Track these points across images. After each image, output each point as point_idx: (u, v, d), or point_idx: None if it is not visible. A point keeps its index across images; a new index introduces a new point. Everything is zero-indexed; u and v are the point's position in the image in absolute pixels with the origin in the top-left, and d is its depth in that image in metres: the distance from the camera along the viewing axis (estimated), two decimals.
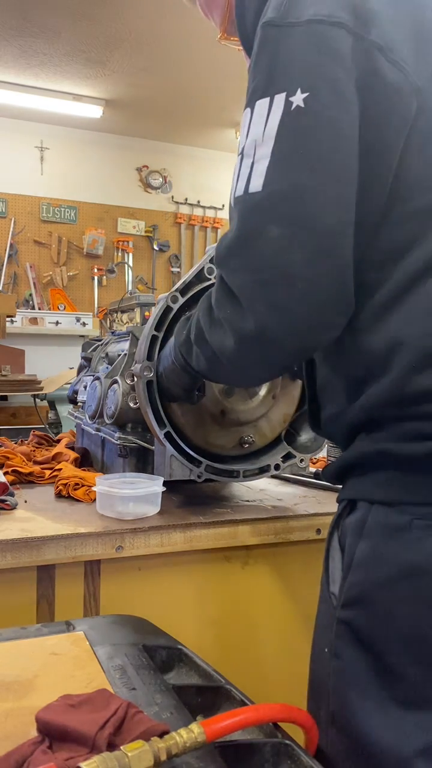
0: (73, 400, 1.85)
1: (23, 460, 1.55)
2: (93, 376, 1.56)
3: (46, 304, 5.60)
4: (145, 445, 1.34)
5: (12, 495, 1.27)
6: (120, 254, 5.92)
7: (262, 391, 1.23)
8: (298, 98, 0.72)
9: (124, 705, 0.57)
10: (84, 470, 1.48)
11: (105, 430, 1.42)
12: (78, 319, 5.48)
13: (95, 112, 5.18)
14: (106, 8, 3.78)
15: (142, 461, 1.38)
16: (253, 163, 0.75)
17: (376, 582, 0.76)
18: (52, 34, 4.10)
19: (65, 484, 1.35)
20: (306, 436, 1.33)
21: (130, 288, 5.71)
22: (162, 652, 0.74)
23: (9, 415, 3.85)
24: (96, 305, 5.79)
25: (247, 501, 1.35)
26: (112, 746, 0.52)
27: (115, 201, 5.92)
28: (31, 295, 5.57)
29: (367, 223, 0.76)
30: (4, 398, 3.81)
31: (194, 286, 1.22)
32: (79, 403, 1.75)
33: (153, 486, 1.19)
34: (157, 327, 1.19)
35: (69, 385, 1.98)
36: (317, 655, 0.84)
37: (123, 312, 2.79)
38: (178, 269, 6.14)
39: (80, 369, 1.93)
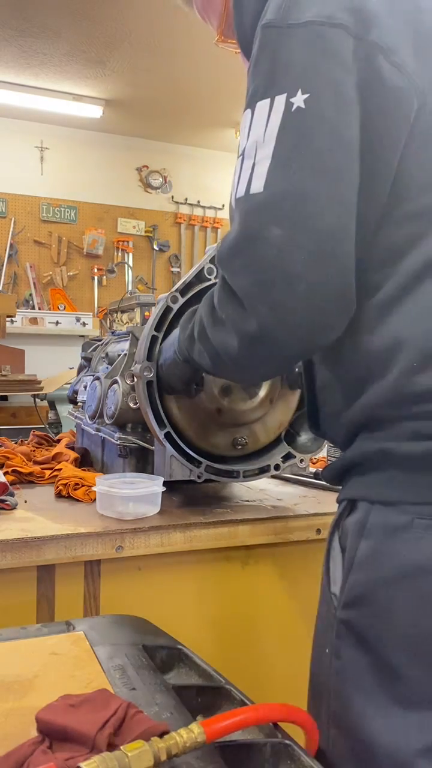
0: (73, 400, 1.85)
1: (23, 460, 1.55)
2: (93, 376, 1.56)
3: (46, 304, 5.60)
4: (145, 445, 1.34)
5: (12, 495, 1.27)
6: (120, 254, 5.92)
7: (261, 393, 1.23)
8: (299, 99, 0.72)
9: (124, 705, 0.57)
10: (84, 470, 1.48)
11: (105, 430, 1.42)
12: (78, 319, 5.47)
13: (95, 112, 5.18)
14: (106, 8, 3.77)
15: (142, 461, 1.38)
16: (254, 165, 0.75)
17: (377, 582, 0.76)
18: (52, 34, 4.10)
19: (65, 484, 1.35)
20: (306, 436, 1.33)
21: (130, 288, 5.71)
22: (162, 652, 0.74)
23: (9, 415, 3.86)
24: (96, 305, 5.79)
25: (247, 501, 1.35)
26: (112, 746, 0.52)
27: (115, 201, 5.91)
28: (31, 295, 5.57)
29: (367, 223, 0.76)
30: (4, 398, 3.81)
31: (194, 286, 1.22)
32: (79, 403, 1.75)
33: (153, 486, 1.19)
34: (157, 327, 1.19)
35: (69, 385, 1.98)
36: (318, 655, 0.84)
37: (123, 312, 2.79)
38: (178, 269, 6.14)
39: (80, 369, 1.93)
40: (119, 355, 1.48)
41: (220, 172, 6.21)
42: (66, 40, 4.17)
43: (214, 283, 1.22)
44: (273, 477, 1.51)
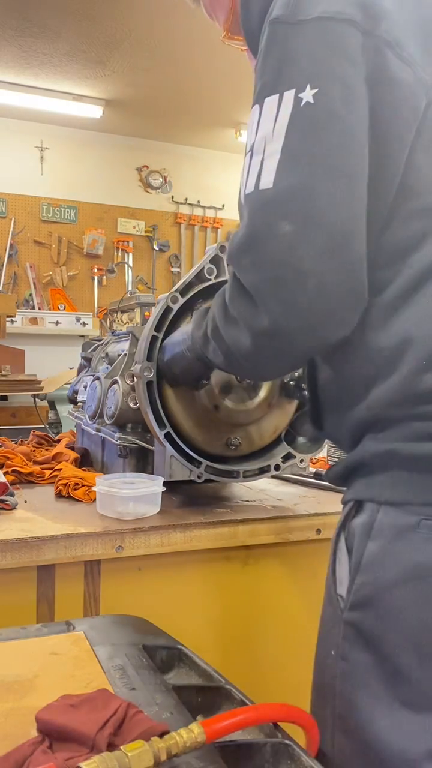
0: (73, 400, 1.85)
1: (23, 460, 1.55)
2: (93, 376, 1.56)
3: (46, 304, 5.60)
4: (145, 445, 1.34)
5: (12, 495, 1.27)
6: (120, 254, 5.92)
7: (260, 396, 1.23)
8: (308, 95, 0.72)
9: (124, 705, 0.57)
10: (84, 470, 1.48)
11: (105, 431, 1.42)
12: (78, 319, 5.47)
13: (95, 112, 5.18)
14: (106, 8, 3.77)
15: (142, 461, 1.38)
16: (262, 160, 0.75)
17: (384, 583, 0.75)
18: (52, 34, 4.10)
19: (65, 484, 1.35)
20: (306, 436, 1.33)
21: (130, 288, 5.71)
22: (162, 652, 0.74)
23: (9, 415, 3.85)
24: (96, 305, 5.79)
25: (247, 501, 1.35)
26: (112, 746, 0.52)
27: (115, 201, 5.91)
28: (31, 295, 5.57)
29: (375, 220, 0.75)
30: (4, 398, 3.81)
31: (194, 286, 1.22)
32: (79, 403, 1.75)
33: (153, 486, 1.19)
34: (157, 327, 1.19)
35: (69, 385, 1.98)
36: (323, 657, 0.83)
37: (123, 312, 2.79)
38: (178, 269, 6.14)
39: (80, 369, 1.93)
40: (119, 355, 1.48)
41: (220, 172, 6.21)
42: (66, 40, 4.17)
43: (215, 283, 1.23)
44: (273, 477, 1.51)
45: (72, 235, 5.74)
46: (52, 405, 3.72)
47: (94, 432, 1.49)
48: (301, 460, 1.34)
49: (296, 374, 1.26)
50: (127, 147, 5.90)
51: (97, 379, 1.50)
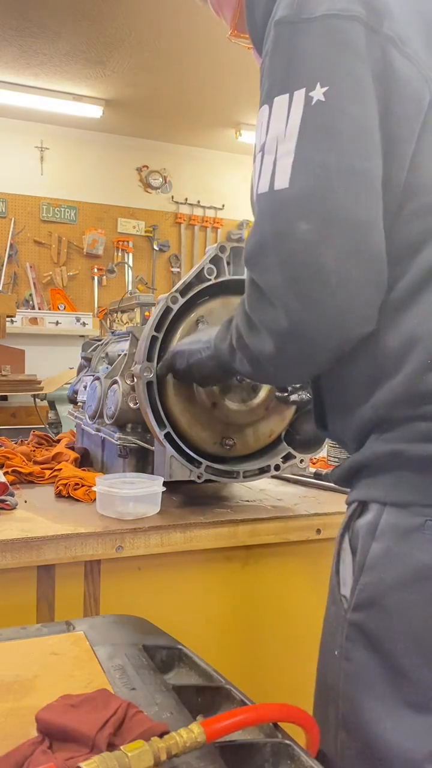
0: (73, 400, 1.85)
1: (23, 460, 1.55)
2: (93, 376, 1.56)
3: (46, 304, 5.60)
4: (145, 445, 1.34)
5: (12, 495, 1.27)
6: (120, 254, 5.92)
7: (257, 399, 1.23)
8: (318, 93, 0.72)
9: (124, 705, 0.57)
10: (84, 470, 1.48)
11: (105, 431, 1.42)
12: (78, 319, 5.47)
13: (95, 112, 5.18)
14: (106, 8, 3.77)
15: (142, 461, 1.38)
16: (275, 160, 0.74)
17: (388, 584, 0.75)
18: (52, 34, 4.10)
19: (65, 484, 1.35)
20: (306, 436, 1.33)
21: (130, 288, 5.71)
22: (162, 652, 0.74)
23: (9, 415, 3.85)
24: (96, 305, 5.79)
25: (247, 501, 1.35)
26: (112, 746, 0.52)
27: (115, 201, 5.91)
28: (31, 295, 5.57)
29: (385, 217, 0.75)
30: (4, 398, 3.81)
31: (194, 286, 1.22)
32: (79, 403, 1.75)
33: (153, 486, 1.19)
34: (157, 328, 1.19)
35: (69, 385, 1.98)
36: (326, 657, 0.83)
37: (123, 312, 2.79)
38: (178, 269, 6.14)
39: (80, 369, 1.93)
40: (119, 355, 1.48)
41: (220, 172, 6.21)
42: (66, 40, 4.17)
43: (215, 283, 1.23)
44: (273, 477, 1.51)
45: (72, 235, 5.74)
46: (52, 405, 3.72)
47: (94, 432, 1.49)
48: (301, 460, 1.34)
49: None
50: (127, 147, 5.90)
51: (97, 379, 1.50)
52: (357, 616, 0.78)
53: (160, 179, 6.03)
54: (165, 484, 1.20)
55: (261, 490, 1.46)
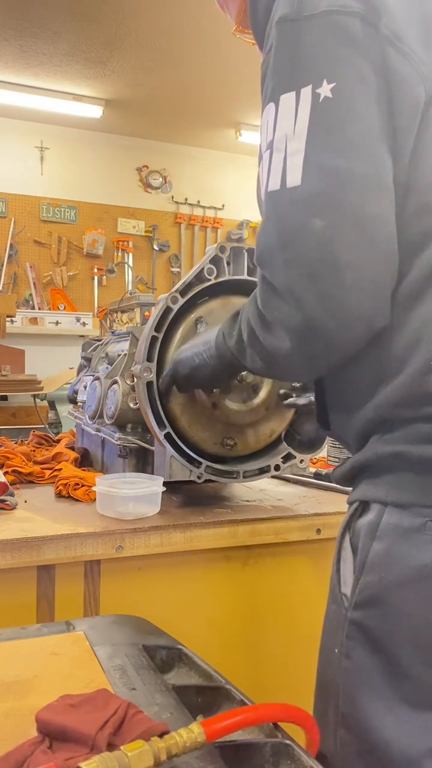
0: (73, 400, 1.85)
1: (23, 460, 1.55)
2: (93, 376, 1.56)
3: (46, 304, 5.60)
4: (145, 445, 1.34)
5: (12, 495, 1.27)
6: (120, 254, 5.92)
7: (257, 399, 1.23)
8: (325, 89, 0.72)
9: (124, 705, 0.57)
10: (84, 470, 1.48)
11: (105, 431, 1.42)
12: (78, 319, 5.48)
13: (95, 112, 5.18)
14: (106, 8, 3.77)
15: (142, 461, 1.38)
16: (285, 158, 0.75)
17: (389, 583, 0.76)
18: (52, 34, 4.10)
19: (65, 484, 1.35)
20: (306, 437, 1.33)
21: (130, 288, 5.71)
22: (162, 652, 0.74)
23: (9, 415, 3.85)
24: (96, 305, 5.79)
25: (247, 501, 1.35)
26: (112, 746, 0.52)
27: (115, 201, 5.91)
28: (31, 295, 5.57)
29: None
30: (4, 398, 3.81)
31: (194, 286, 1.22)
32: (79, 403, 1.75)
33: (153, 486, 1.19)
34: (157, 328, 1.19)
35: (69, 385, 1.98)
36: (326, 655, 0.84)
37: (123, 312, 2.79)
38: (178, 269, 6.14)
39: (80, 369, 1.93)
40: (119, 355, 1.48)
41: (220, 172, 6.21)
42: (66, 40, 4.17)
43: (215, 284, 1.23)
44: (273, 477, 1.51)
45: (72, 235, 5.74)
46: (52, 405, 3.72)
47: (94, 432, 1.49)
48: (301, 460, 1.34)
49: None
50: (127, 147, 5.90)
51: (97, 379, 1.50)
52: (358, 614, 0.78)
53: (160, 179, 6.03)
54: (165, 484, 1.20)
55: (261, 490, 1.46)
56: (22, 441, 1.88)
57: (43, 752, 0.52)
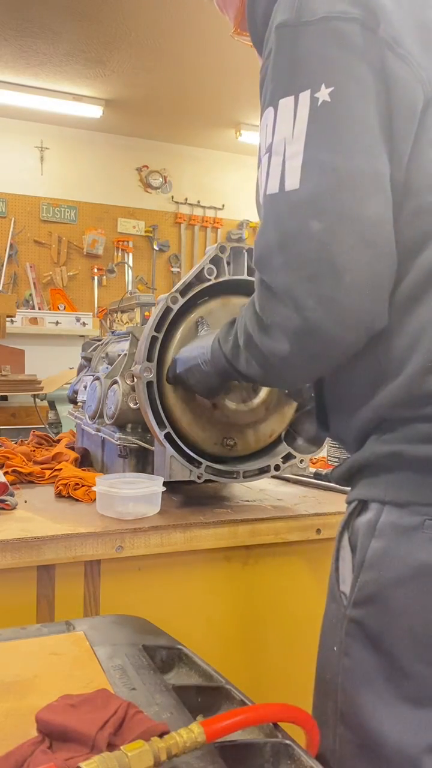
0: (73, 400, 1.85)
1: (23, 460, 1.55)
2: (93, 376, 1.56)
3: (46, 304, 5.60)
4: (145, 445, 1.34)
5: (12, 495, 1.27)
6: (120, 254, 5.92)
7: (257, 399, 1.23)
8: (324, 94, 0.73)
9: (124, 705, 0.57)
10: (84, 470, 1.48)
11: (105, 431, 1.42)
12: (78, 319, 5.48)
13: (95, 112, 5.18)
14: (106, 8, 3.77)
15: (142, 461, 1.38)
16: (284, 161, 0.75)
17: (388, 581, 0.76)
18: (52, 34, 4.10)
19: (65, 484, 1.35)
20: (306, 437, 1.33)
21: (130, 288, 5.71)
22: (162, 652, 0.75)
23: (9, 415, 3.85)
24: (96, 305, 5.79)
25: (247, 501, 1.35)
26: (112, 746, 0.52)
27: (115, 201, 5.92)
28: (31, 295, 5.57)
29: None
30: (4, 398, 3.81)
31: (194, 286, 1.22)
32: (79, 403, 1.75)
33: (153, 486, 1.19)
34: (157, 328, 1.19)
35: (69, 385, 1.98)
36: (325, 653, 0.84)
37: (123, 312, 2.79)
38: (178, 269, 6.14)
39: (80, 369, 1.93)
40: (119, 355, 1.48)
41: (220, 172, 6.21)
42: (66, 40, 4.17)
43: (215, 284, 1.23)
44: (273, 477, 1.51)
45: (72, 235, 5.74)
46: (52, 405, 3.71)
47: (94, 432, 1.49)
48: (301, 460, 1.34)
49: None
50: (127, 147, 5.90)
51: (97, 379, 1.50)
52: (356, 612, 0.79)
53: (160, 179, 6.04)
54: (165, 484, 1.20)
55: (261, 490, 1.46)
56: (22, 441, 1.88)
57: (43, 752, 0.52)
